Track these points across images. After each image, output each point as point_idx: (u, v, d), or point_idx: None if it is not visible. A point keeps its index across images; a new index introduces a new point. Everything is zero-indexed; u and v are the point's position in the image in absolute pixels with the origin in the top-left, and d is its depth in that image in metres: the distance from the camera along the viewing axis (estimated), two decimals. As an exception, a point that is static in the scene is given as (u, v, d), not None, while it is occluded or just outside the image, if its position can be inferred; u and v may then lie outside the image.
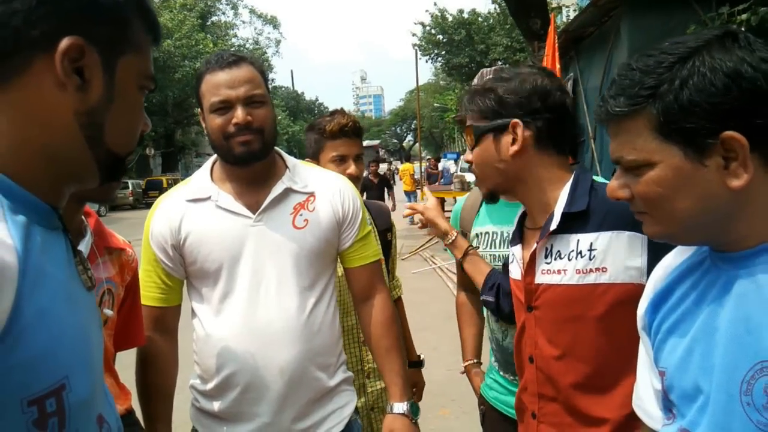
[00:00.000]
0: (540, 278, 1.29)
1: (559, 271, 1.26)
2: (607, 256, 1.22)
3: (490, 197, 1.41)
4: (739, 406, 0.76)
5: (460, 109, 1.43)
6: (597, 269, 1.22)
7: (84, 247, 1.40)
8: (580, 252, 1.24)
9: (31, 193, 0.68)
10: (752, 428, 0.74)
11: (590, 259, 1.23)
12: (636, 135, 0.82)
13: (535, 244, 1.30)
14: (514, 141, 1.29)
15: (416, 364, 2.35)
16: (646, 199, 0.84)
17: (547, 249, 1.29)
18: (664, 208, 0.82)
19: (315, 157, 2.07)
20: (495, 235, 1.90)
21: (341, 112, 2.11)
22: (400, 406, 1.60)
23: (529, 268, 1.31)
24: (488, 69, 2.05)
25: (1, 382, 0.59)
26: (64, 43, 0.67)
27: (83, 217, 1.45)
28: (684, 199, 0.80)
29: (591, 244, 1.23)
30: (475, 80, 2.04)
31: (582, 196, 1.26)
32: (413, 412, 1.61)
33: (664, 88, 0.78)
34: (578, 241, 1.25)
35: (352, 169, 2.02)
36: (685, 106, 0.76)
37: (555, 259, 1.27)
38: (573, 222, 1.26)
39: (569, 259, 1.25)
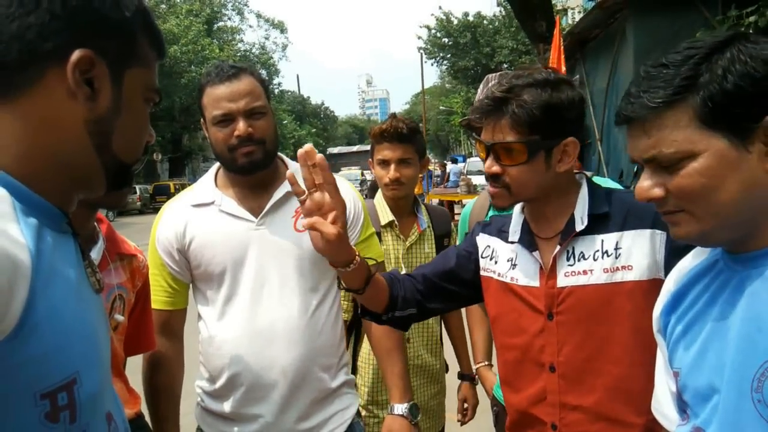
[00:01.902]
0: (563, 281, 1.27)
1: (585, 272, 1.25)
2: (632, 254, 1.22)
3: (504, 209, 1.34)
4: (750, 403, 0.76)
5: (479, 114, 1.30)
6: (623, 267, 1.22)
7: (96, 253, 1.42)
8: (606, 251, 1.24)
9: (43, 198, 0.70)
10: (763, 425, 0.75)
11: (616, 258, 1.23)
12: (674, 127, 0.81)
13: (558, 247, 1.28)
14: (561, 158, 1.25)
15: (466, 377, 2.26)
16: (689, 192, 0.82)
17: (568, 252, 1.27)
18: (707, 200, 0.81)
19: (372, 158, 2.14)
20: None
21: (392, 116, 2.13)
22: (400, 408, 1.63)
23: (551, 272, 1.28)
24: (493, 74, 2.03)
25: (15, 376, 0.61)
26: (76, 55, 0.70)
27: (95, 223, 1.47)
28: (728, 189, 0.80)
29: (617, 243, 1.23)
30: (481, 87, 2.03)
31: (602, 200, 1.27)
32: (413, 414, 1.63)
33: (705, 78, 0.79)
34: (602, 241, 1.25)
35: (391, 173, 2.04)
36: (731, 92, 0.78)
37: (579, 260, 1.26)
38: (594, 224, 1.26)
39: (594, 259, 1.24)
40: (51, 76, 0.70)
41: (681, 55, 0.82)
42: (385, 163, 2.06)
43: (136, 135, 0.81)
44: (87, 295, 0.75)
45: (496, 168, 1.27)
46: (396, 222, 2.11)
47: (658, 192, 0.84)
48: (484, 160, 1.31)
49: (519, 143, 1.23)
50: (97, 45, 0.72)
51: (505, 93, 1.24)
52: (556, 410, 1.29)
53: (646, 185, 0.85)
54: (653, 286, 1.15)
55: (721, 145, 0.79)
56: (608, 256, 1.23)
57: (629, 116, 0.85)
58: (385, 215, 2.10)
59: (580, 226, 1.26)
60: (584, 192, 1.30)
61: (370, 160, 2.16)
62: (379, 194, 2.16)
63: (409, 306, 1.39)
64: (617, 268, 1.22)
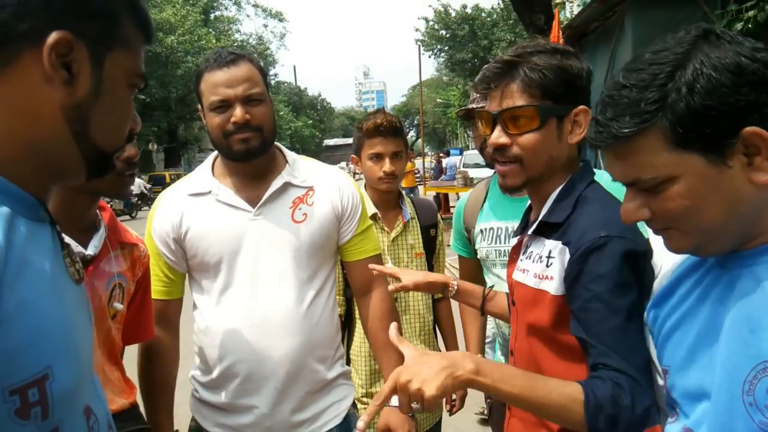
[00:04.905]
0: (514, 274, 1.27)
1: (524, 271, 1.23)
2: (556, 265, 1.15)
3: (516, 189, 1.25)
4: (741, 406, 0.75)
5: (486, 81, 1.23)
6: (547, 277, 1.16)
7: (97, 241, 1.41)
8: (541, 257, 1.19)
9: (17, 185, 0.68)
10: (755, 428, 0.74)
11: (547, 266, 1.17)
12: (650, 152, 0.78)
13: (515, 240, 1.29)
14: (572, 129, 1.18)
15: None
16: (674, 214, 0.80)
17: (526, 247, 1.26)
18: (693, 219, 0.79)
19: (357, 154, 2.17)
20: (499, 231, 1.90)
21: (381, 111, 2.20)
22: (396, 400, 1.62)
23: (511, 262, 1.30)
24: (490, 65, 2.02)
25: None
26: (53, 37, 0.66)
27: (98, 211, 1.46)
28: (712, 207, 0.77)
29: (550, 251, 1.17)
30: (478, 77, 2.01)
31: (565, 207, 1.18)
32: None
33: (672, 99, 0.75)
34: (544, 246, 1.19)
35: (386, 167, 2.09)
36: (700, 111, 0.74)
37: (527, 258, 1.24)
38: (549, 228, 1.20)
39: (533, 262, 1.21)
40: (26, 59, 0.67)
41: (646, 74, 0.78)
42: (378, 157, 2.10)
43: (118, 122, 0.77)
44: (64, 286, 0.72)
45: (503, 139, 1.18)
46: (379, 215, 2.14)
47: (644, 214, 0.83)
48: (483, 144, 1.28)
49: (531, 107, 1.15)
50: (77, 26, 0.68)
51: (515, 57, 1.17)
52: None
53: (632, 207, 0.84)
54: (564, 302, 1.13)
55: (699, 165, 0.76)
56: (541, 262, 1.19)
57: (599, 145, 0.82)
58: (369, 209, 2.10)
59: (529, 231, 1.23)
60: (554, 195, 1.21)
61: (354, 155, 2.19)
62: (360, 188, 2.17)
63: None
64: (545, 276, 1.17)
